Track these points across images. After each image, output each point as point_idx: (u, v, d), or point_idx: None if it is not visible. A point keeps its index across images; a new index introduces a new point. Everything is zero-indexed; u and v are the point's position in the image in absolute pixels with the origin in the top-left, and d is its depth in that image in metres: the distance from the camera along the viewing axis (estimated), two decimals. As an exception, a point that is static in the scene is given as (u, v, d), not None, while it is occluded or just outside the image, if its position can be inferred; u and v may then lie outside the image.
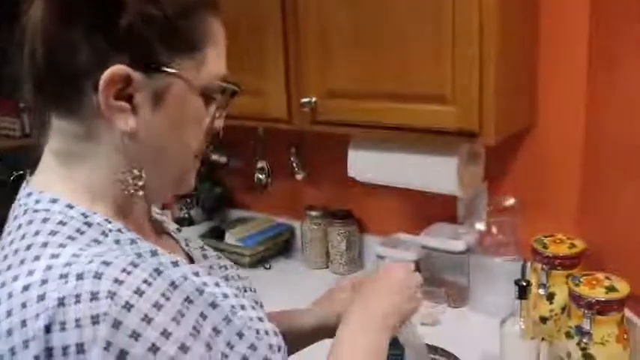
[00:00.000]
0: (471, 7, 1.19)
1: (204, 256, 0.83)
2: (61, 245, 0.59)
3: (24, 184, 0.69)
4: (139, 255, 0.63)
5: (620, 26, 1.26)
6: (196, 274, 0.66)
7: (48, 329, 0.53)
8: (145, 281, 0.56)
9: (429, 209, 1.68)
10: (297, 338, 0.93)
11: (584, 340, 1.18)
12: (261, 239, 1.93)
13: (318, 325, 0.97)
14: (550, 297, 1.32)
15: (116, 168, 0.65)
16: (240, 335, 0.63)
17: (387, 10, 1.29)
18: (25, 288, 0.55)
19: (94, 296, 0.53)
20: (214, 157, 1.91)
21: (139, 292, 0.55)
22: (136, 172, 0.65)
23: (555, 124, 1.45)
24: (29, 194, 0.66)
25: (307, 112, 1.44)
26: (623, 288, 1.17)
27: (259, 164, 1.90)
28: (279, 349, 0.68)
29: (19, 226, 0.62)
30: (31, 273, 0.56)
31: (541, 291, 1.33)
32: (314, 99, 1.43)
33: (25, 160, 0.73)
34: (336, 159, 1.67)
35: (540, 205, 1.50)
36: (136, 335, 0.53)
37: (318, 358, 0.82)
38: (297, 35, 1.44)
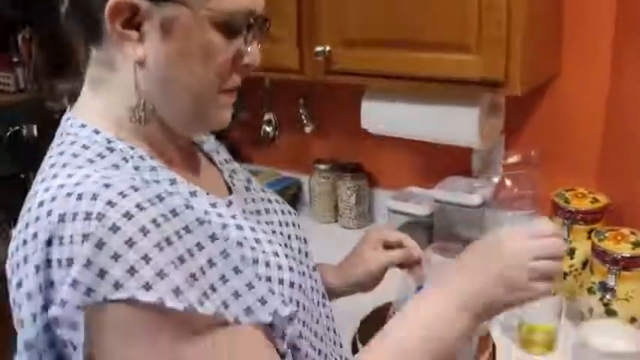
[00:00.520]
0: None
1: (247, 189, 0.84)
2: (79, 167, 0.61)
3: (68, 109, 0.72)
4: (155, 182, 0.65)
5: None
6: (214, 205, 0.68)
7: (49, 242, 0.57)
8: (138, 205, 0.57)
9: (443, 162, 1.63)
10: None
11: (607, 296, 1.16)
12: (268, 193, 1.89)
13: (343, 285, 0.96)
14: (571, 252, 1.29)
15: (129, 96, 0.67)
16: (237, 271, 0.62)
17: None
18: (40, 204, 0.59)
19: (88, 216, 0.56)
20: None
21: (127, 216, 0.56)
22: (142, 101, 0.67)
23: (579, 76, 1.40)
24: (67, 119, 0.70)
25: (321, 61, 1.38)
26: (649, 244, 1.14)
27: (266, 116, 1.85)
28: (291, 285, 0.69)
29: (52, 148, 0.68)
30: (46, 190, 0.60)
31: (561, 246, 1.30)
32: (328, 48, 1.36)
33: (21, 115, 0.77)
34: (346, 110, 1.62)
35: (559, 159, 1.46)
36: (116, 257, 0.55)
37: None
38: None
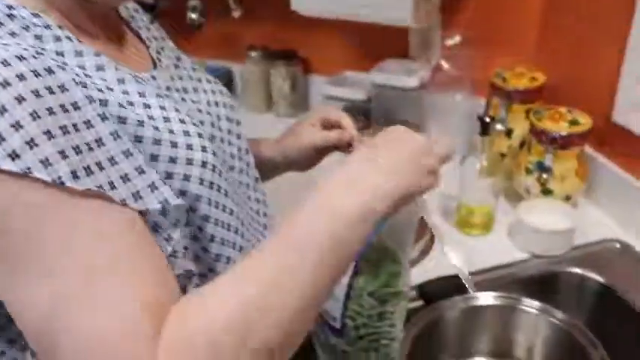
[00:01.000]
0: None
1: (176, 66, 0.80)
2: None
3: None
4: (57, 53, 0.60)
5: None
6: (121, 81, 0.64)
7: None
8: (19, 75, 0.52)
9: (379, 45, 1.56)
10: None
11: (544, 176, 1.16)
12: (198, 83, 1.79)
13: (278, 158, 0.92)
14: (508, 133, 1.28)
15: None
16: (128, 154, 0.59)
17: None
18: None
19: None
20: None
21: (4, 84, 0.51)
22: None
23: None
24: None
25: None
26: (586, 121, 1.13)
27: (191, 2, 1.71)
28: (203, 165, 0.66)
29: None
30: None
31: (499, 126, 1.28)
32: None
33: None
34: (275, -8, 1.51)
35: (498, 40, 1.41)
36: None
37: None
38: None
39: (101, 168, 0.55)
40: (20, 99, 0.51)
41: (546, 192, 1.17)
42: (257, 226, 0.82)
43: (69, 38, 0.62)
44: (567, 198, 1.17)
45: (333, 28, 1.55)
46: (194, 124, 0.68)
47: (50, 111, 0.53)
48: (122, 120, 0.60)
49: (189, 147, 0.65)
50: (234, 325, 0.53)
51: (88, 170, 0.54)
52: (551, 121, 1.14)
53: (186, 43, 1.85)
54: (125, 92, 0.63)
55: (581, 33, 1.22)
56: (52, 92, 0.54)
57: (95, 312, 0.51)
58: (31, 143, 0.51)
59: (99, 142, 0.56)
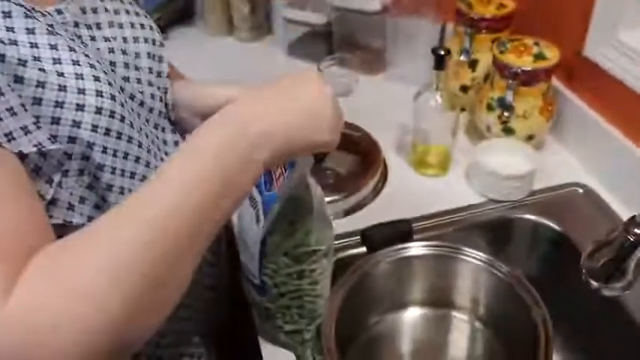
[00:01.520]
0: None
1: None
2: None
3: None
4: None
5: None
6: (7, 14, 0.57)
7: None
8: None
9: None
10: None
11: (506, 114, 1.07)
12: (152, 6, 1.65)
13: (192, 98, 0.80)
14: (473, 64, 1.18)
15: None
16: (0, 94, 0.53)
17: None
18: None
19: None
20: None
21: None
22: None
23: None
24: None
25: None
26: (552, 55, 1.03)
27: None
28: (98, 111, 0.60)
29: None
30: None
31: (463, 57, 1.18)
32: None
33: None
34: None
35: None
36: None
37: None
38: None
39: None
40: None
41: (507, 131, 1.08)
42: None
43: None
44: (530, 138, 1.09)
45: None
46: (91, 66, 0.61)
47: None
48: (0, 58, 0.55)
49: (81, 91, 0.60)
50: (105, 265, 0.47)
51: None
52: (515, 54, 1.04)
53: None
54: (9, 29, 0.57)
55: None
56: None
57: None
58: None
59: None
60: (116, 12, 0.73)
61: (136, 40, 0.74)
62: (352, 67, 1.38)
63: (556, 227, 0.99)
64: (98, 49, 0.67)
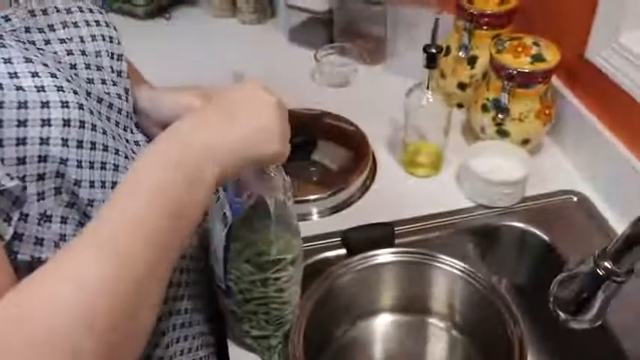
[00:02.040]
0: None
1: None
2: None
3: None
4: None
5: None
6: None
7: None
8: None
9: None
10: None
11: (500, 116, 1.03)
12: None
13: (151, 107, 0.77)
14: (472, 61, 1.14)
15: None
16: None
17: None
18: None
19: None
20: None
21: None
22: None
23: None
24: None
25: None
26: (551, 57, 0.99)
27: None
28: (66, 124, 0.56)
29: None
30: None
31: (462, 53, 1.14)
32: None
33: None
34: None
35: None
36: None
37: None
38: None
39: None
40: None
41: (502, 133, 1.04)
42: None
43: None
44: (525, 142, 1.05)
45: None
46: (52, 75, 0.57)
47: None
48: None
49: (45, 104, 0.55)
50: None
51: None
52: (512, 54, 0.99)
53: None
54: None
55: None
56: None
57: None
58: None
59: None
60: (68, 11, 0.67)
61: (94, 38, 0.69)
62: (352, 57, 1.35)
63: (544, 237, 0.95)
64: (55, 52, 0.63)
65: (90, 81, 0.66)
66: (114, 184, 0.62)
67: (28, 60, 0.56)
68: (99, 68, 0.68)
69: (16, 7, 0.62)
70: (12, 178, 0.52)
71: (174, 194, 0.51)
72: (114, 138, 0.64)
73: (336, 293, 0.86)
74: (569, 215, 0.99)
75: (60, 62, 0.62)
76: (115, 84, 0.70)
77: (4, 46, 0.56)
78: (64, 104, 0.56)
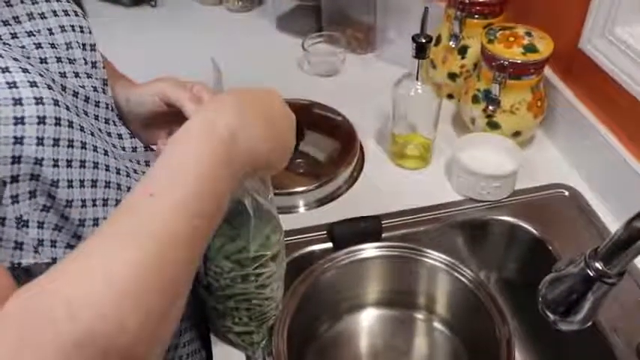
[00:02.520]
0: None
1: None
2: None
3: None
4: None
5: None
6: None
7: None
8: None
9: None
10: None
11: (491, 108, 1.00)
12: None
13: (124, 105, 0.74)
14: (462, 51, 1.11)
15: None
16: None
17: None
18: None
19: None
20: None
21: None
22: None
23: None
24: None
25: None
26: (544, 48, 0.96)
27: None
28: (41, 121, 0.53)
29: None
30: None
31: (452, 43, 1.11)
32: None
33: None
34: None
35: None
36: None
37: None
38: None
39: None
40: None
41: (493, 125, 1.02)
42: (126, 163, 0.68)
43: None
44: (516, 134, 1.03)
45: None
46: (24, 70, 0.53)
47: None
48: None
49: (17, 102, 0.52)
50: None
51: None
52: (504, 45, 0.97)
53: None
54: None
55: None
56: None
57: None
58: None
59: None
60: (33, 1, 0.63)
61: (63, 29, 0.65)
62: (340, 45, 1.32)
63: (533, 231, 0.93)
64: (23, 47, 0.59)
65: (63, 75, 0.62)
66: (93, 182, 0.59)
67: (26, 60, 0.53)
68: (71, 61, 0.64)
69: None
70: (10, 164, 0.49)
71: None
72: (93, 134, 0.60)
73: (321, 288, 0.84)
74: (559, 209, 0.97)
75: (29, 57, 0.58)
76: (89, 76, 0.66)
77: None
78: (38, 101, 0.53)
